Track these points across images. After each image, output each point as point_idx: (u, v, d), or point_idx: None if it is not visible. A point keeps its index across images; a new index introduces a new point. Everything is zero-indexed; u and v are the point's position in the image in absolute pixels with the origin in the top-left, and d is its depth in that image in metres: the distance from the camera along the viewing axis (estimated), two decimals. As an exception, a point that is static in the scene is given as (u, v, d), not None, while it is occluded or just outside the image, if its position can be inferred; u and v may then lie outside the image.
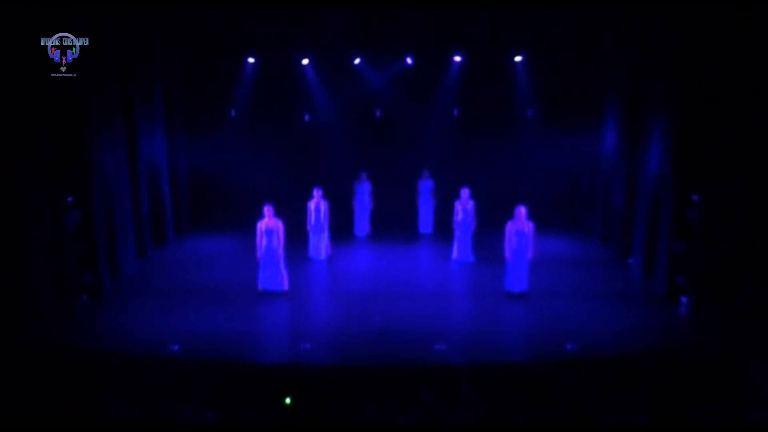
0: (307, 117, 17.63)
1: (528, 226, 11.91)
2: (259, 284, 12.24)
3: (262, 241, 12.09)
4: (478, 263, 14.31)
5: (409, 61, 17.02)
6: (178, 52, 16.38)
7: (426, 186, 16.93)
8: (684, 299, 11.48)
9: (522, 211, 11.92)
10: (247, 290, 12.30)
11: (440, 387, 8.49)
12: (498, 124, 17.41)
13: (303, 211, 14.56)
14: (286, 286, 12.25)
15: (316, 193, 14.43)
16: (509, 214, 12.10)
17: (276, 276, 12.17)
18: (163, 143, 15.70)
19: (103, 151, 12.27)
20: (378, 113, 17.62)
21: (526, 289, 12.02)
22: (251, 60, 16.97)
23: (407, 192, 17.16)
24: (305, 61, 17.07)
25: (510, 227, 11.95)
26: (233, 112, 17.51)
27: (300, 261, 14.10)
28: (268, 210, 12.11)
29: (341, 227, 16.22)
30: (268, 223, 12.08)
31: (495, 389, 8.65)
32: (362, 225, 16.94)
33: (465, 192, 14.37)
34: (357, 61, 17.04)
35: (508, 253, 11.99)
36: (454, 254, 14.58)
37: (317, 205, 14.42)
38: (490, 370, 9.29)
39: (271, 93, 17.34)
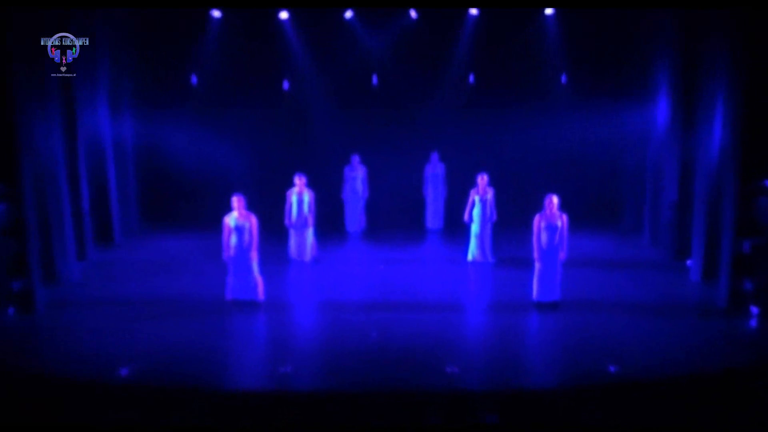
0: (286, 85, 17.68)
1: (561, 220, 11.99)
2: (227, 293, 12.32)
3: (230, 240, 12.16)
4: (499, 266, 14.41)
5: (413, 14, 17.05)
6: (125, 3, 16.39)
7: (435, 172, 17.00)
8: (754, 309, 11.57)
9: (553, 200, 12.00)
10: (213, 300, 12.36)
11: (452, 418, 8.56)
12: (523, 94, 17.46)
13: (282, 202, 14.64)
14: (260, 295, 12.33)
15: (298, 180, 14.50)
16: (538, 205, 12.19)
17: (248, 283, 12.24)
18: (107, 119, 15.73)
19: (34, 131, 12.32)
20: (375, 80, 17.65)
21: (559, 298, 12.12)
22: (216, 14, 16.97)
23: (411, 179, 17.22)
24: (284, 15, 17.08)
25: (539, 221, 12.03)
26: (194, 79, 17.52)
27: (278, 264, 14.19)
28: (238, 201, 12.15)
29: (329, 222, 16.29)
30: (238, 217, 12.13)
31: (519, 422, 8.73)
32: (355, 219, 17.01)
33: (483, 178, 14.45)
34: (348, 14, 17.05)
35: (536, 254, 12.09)
36: (470, 255, 14.68)
37: (299, 195, 14.49)
38: (514, 398, 9.37)
39: (241, 55, 17.35)
